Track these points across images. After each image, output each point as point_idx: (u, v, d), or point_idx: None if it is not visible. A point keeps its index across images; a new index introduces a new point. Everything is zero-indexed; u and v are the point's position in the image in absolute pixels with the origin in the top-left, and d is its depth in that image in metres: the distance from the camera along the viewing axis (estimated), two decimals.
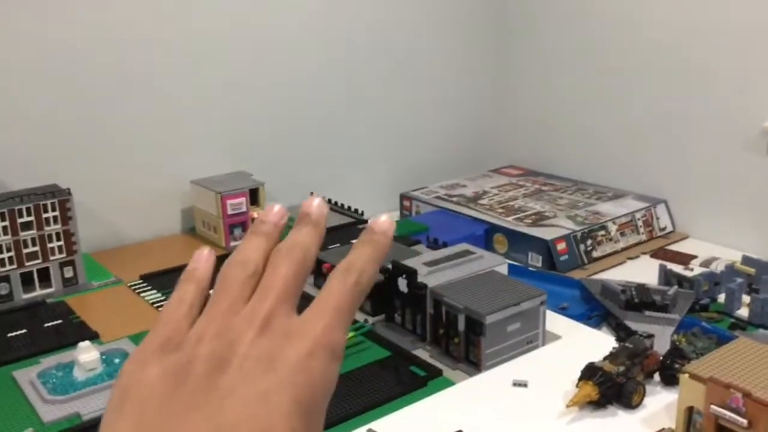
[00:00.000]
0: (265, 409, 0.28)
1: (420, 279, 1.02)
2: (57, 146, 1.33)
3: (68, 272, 1.22)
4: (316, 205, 0.35)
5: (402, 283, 1.04)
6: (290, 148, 1.62)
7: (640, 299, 1.18)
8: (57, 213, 1.20)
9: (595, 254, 1.45)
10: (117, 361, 0.96)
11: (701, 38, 1.49)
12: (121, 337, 1.04)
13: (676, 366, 0.91)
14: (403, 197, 1.73)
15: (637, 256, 1.48)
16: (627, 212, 1.54)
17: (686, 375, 0.79)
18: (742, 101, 1.45)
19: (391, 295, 1.07)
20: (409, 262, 1.07)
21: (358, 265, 0.33)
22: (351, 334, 1.00)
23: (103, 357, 0.96)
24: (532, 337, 1.00)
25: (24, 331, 1.08)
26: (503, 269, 1.09)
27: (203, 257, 0.35)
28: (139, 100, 1.40)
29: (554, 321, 1.08)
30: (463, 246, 1.14)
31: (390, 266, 1.06)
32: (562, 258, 1.41)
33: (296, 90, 1.60)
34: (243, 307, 0.31)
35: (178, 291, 0.34)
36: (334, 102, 1.66)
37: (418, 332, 1.03)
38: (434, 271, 1.04)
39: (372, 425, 0.84)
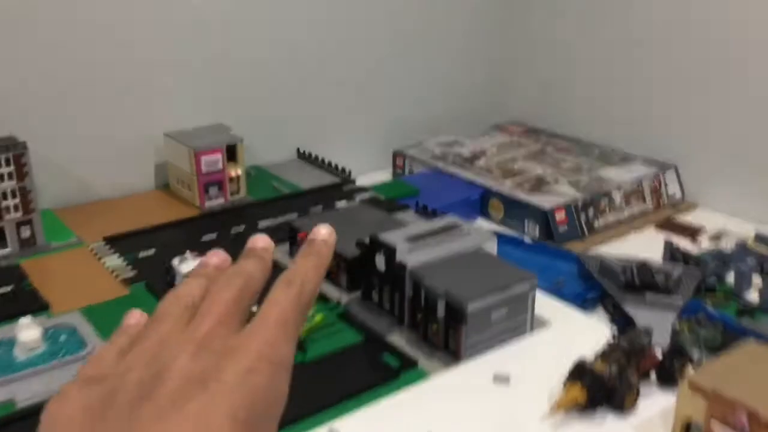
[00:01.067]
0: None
1: (399, 257, 0.93)
2: (15, 94, 1.23)
3: (25, 232, 1.13)
4: (261, 240, 0.35)
5: (380, 261, 0.95)
6: (273, 98, 1.51)
7: (641, 280, 1.09)
8: (12, 168, 1.10)
9: (597, 225, 1.35)
10: (62, 338, 0.88)
11: None
12: (73, 310, 0.95)
13: (675, 366, 0.82)
14: (396, 154, 1.62)
15: (643, 227, 1.38)
16: (634, 178, 1.43)
17: (685, 385, 0.70)
18: (760, 60, 1.33)
19: (369, 272, 0.98)
20: (391, 236, 0.97)
21: (300, 276, 0.32)
22: (320, 315, 0.91)
23: (49, 333, 0.88)
24: (519, 325, 0.91)
25: None
26: (492, 247, 0.99)
27: (136, 316, 0.34)
28: (107, 43, 1.29)
29: (545, 304, 0.99)
30: (451, 219, 1.04)
31: (367, 241, 0.97)
32: (561, 228, 1.31)
33: (281, 36, 1.48)
34: (179, 335, 0.30)
35: (110, 340, 0.32)
36: (323, 49, 1.54)
37: (395, 314, 0.95)
38: (416, 248, 0.95)
39: (335, 423, 0.76)
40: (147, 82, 1.35)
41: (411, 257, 0.93)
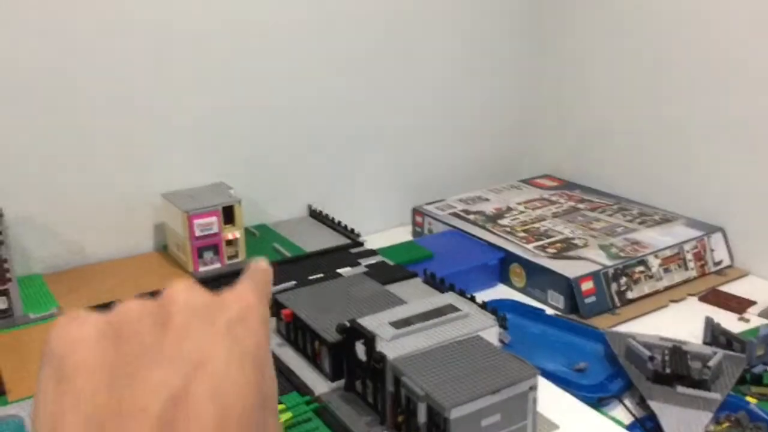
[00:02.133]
0: (224, 356, 0.27)
1: (381, 345, 0.82)
2: (3, 153, 1.17)
3: (1, 303, 1.07)
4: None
5: (360, 349, 0.84)
6: (285, 153, 1.43)
7: (672, 369, 0.95)
8: None
9: (630, 295, 1.21)
10: None
11: None
12: (29, 397, 0.87)
13: None
14: (416, 212, 1.52)
15: (683, 299, 1.23)
16: (674, 243, 1.29)
17: None
18: None
19: (351, 359, 0.87)
20: (375, 319, 0.87)
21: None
22: (287, 414, 0.81)
23: None
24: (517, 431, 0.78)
25: None
26: (491, 334, 0.87)
27: None
28: (101, 98, 1.23)
29: (555, 400, 0.86)
30: (448, 299, 0.93)
31: (348, 325, 0.86)
32: (588, 300, 1.17)
33: (290, 87, 1.40)
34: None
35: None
36: (337, 100, 1.46)
37: (378, 409, 0.83)
38: (402, 334, 0.84)
39: None
40: (147, 140, 1.29)
41: (394, 346, 0.82)
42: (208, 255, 1.22)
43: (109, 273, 1.24)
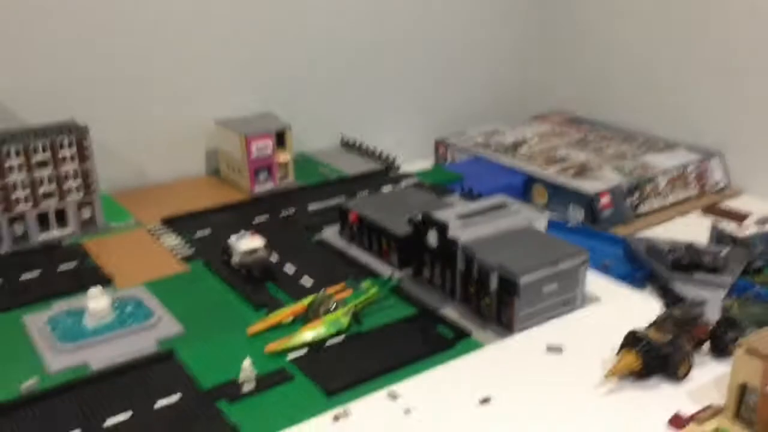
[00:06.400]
0: None
1: (451, 233, 0.95)
2: (75, 81, 1.27)
3: (86, 213, 1.17)
4: None
5: (432, 237, 0.97)
6: (319, 89, 1.54)
7: (689, 260, 1.10)
8: (74, 150, 1.15)
9: (641, 209, 1.36)
10: (129, 309, 0.92)
11: None
12: (136, 284, 0.99)
13: (728, 336, 0.83)
14: (438, 143, 1.64)
15: (688, 213, 1.38)
16: (678, 164, 1.43)
17: (742, 349, 0.71)
18: None
19: (420, 249, 1.00)
20: (441, 215, 0.99)
21: None
22: (373, 289, 0.94)
23: (115, 304, 0.91)
24: (570, 299, 0.92)
25: (38, 273, 1.04)
26: (542, 224, 1.01)
27: None
28: (160, 35, 1.33)
29: (594, 281, 1.00)
30: (500, 198, 1.06)
31: (420, 218, 0.99)
32: (606, 213, 1.32)
33: (326, 28, 1.51)
34: None
35: None
36: (367, 41, 1.57)
37: (447, 289, 0.97)
38: (467, 224, 0.97)
39: (394, 387, 0.78)
40: (197, 74, 1.39)
41: (463, 233, 0.95)
42: (263, 175, 1.33)
43: (169, 193, 1.35)
